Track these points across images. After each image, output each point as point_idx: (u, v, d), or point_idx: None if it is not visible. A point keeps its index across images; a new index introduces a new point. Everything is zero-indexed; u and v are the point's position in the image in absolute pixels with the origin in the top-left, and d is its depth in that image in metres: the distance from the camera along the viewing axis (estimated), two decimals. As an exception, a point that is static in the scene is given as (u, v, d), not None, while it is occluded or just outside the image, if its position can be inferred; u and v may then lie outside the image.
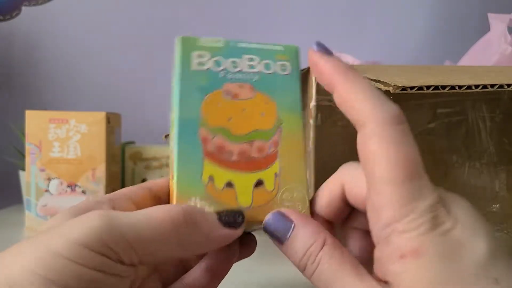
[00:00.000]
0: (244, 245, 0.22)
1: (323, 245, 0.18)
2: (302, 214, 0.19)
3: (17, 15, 0.44)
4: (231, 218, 0.18)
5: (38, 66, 0.68)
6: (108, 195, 0.21)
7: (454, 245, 0.15)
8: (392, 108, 0.17)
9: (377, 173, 0.16)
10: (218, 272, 0.21)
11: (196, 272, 0.21)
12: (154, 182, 0.22)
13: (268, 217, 0.19)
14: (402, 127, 0.17)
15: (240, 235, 0.19)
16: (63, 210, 0.19)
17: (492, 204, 0.34)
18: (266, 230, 0.19)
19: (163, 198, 0.22)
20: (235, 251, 0.21)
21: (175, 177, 0.19)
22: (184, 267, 0.22)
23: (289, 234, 0.18)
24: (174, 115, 0.21)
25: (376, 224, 0.16)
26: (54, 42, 0.68)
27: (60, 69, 0.69)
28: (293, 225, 0.18)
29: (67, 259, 0.14)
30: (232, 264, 0.22)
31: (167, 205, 0.18)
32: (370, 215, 0.17)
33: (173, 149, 0.20)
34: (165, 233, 0.16)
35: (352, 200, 0.19)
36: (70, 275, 0.14)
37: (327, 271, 0.17)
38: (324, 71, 0.19)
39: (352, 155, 0.32)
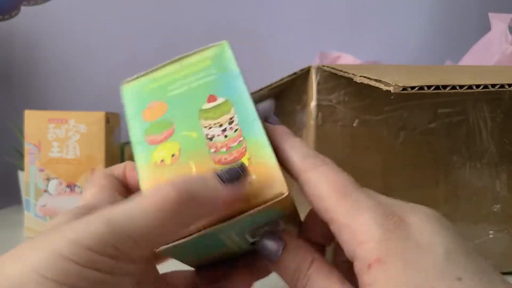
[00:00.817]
0: (260, 263, 0.23)
1: (311, 264, 0.19)
2: (293, 236, 0.20)
3: (16, 14, 0.44)
4: (233, 173, 0.18)
5: (37, 66, 0.68)
6: (102, 192, 0.21)
7: (413, 249, 0.16)
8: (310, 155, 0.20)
9: (319, 204, 0.18)
10: None
11: None
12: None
13: (264, 236, 0.20)
14: (322, 168, 0.19)
15: (245, 189, 0.18)
16: (64, 212, 0.19)
17: (493, 204, 0.34)
18: (261, 249, 0.19)
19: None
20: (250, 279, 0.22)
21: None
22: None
23: (279, 253, 0.19)
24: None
25: (344, 246, 0.17)
26: (53, 42, 0.68)
27: (60, 69, 0.69)
28: (283, 245, 0.19)
29: (74, 262, 0.14)
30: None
31: (160, 187, 0.16)
32: (339, 239, 0.18)
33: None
34: (163, 218, 0.16)
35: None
36: (78, 277, 0.14)
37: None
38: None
39: (352, 154, 0.32)
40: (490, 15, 0.46)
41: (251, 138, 0.20)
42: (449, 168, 0.33)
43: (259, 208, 0.18)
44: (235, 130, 0.21)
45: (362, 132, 0.32)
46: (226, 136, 0.21)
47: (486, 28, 0.48)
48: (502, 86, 0.22)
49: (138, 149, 0.21)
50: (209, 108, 0.21)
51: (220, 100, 0.22)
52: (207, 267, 0.23)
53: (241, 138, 0.20)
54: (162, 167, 0.20)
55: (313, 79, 0.32)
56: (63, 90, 0.69)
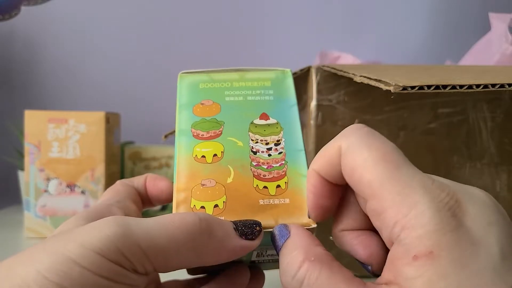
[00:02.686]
0: (252, 280, 0.22)
1: (304, 263, 0.17)
2: (299, 226, 0.19)
3: (16, 14, 0.43)
4: (248, 228, 0.18)
5: (37, 66, 0.68)
6: (114, 198, 0.21)
7: (467, 245, 0.14)
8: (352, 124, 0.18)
9: (365, 178, 0.16)
10: None
11: None
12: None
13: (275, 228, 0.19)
14: (366, 129, 0.17)
15: (256, 246, 0.18)
16: (76, 215, 0.19)
17: (493, 204, 0.34)
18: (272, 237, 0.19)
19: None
20: (244, 280, 0.21)
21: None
22: None
23: (281, 244, 0.18)
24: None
25: (384, 226, 0.15)
26: (53, 42, 0.68)
27: (59, 68, 0.69)
28: (288, 233, 0.18)
29: (82, 267, 0.14)
30: None
31: (182, 212, 0.17)
32: (377, 222, 0.16)
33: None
34: (180, 241, 0.16)
35: (346, 175, 0.17)
36: (84, 284, 0.14)
37: (320, 279, 0.16)
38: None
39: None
40: (491, 15, 0.46)
41: (293, 165, 0.21)
42: (449, 168, 0.33)
43: None
44: (280, 153, 0.22)
45: (362, 132, 0.32)
46: (270, 155, 0.21)
47: (486, 28, 0.48)
48: (502, 86, 0.22)
49: (182, 139, 0.22)
50: (260, 125, 0.22)
51: (272, 120, 0.23)
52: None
53: (283, 162, 0.21)
54: (201, 163, 0.21)
55: (313, 79, 0.32)
56: (63, 90, 0.69)
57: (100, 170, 0.43)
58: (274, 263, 0.25)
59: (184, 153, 0.21)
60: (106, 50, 0.69)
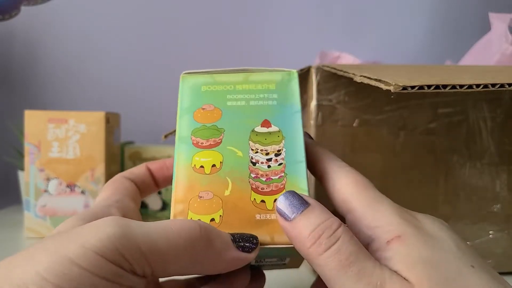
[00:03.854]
0: (253, 280, 0.22)
1: (341, 224, 0.17)
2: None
3: (16, 14, 0.43)
4: (245, 241, 0.18)
5: (37, 66, 0.68)
6: (112, 197, 0.21)
7: (427, 236, 0.17)
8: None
9: (340, 196, 0.20)
10: None
11: None
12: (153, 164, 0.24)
13: (283, 193, 0.19)
14: (345, 169, 0.21)
15: (252, 259, 0.19)
16: (74, 216, 0.19)
17: (493, 204, 0.34)
18: (280, 205, 0.19)
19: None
20: (244, 280, 0.21)
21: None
22: None
23: (303, 208, 0.18)
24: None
25: (360, 233, 0.19)
26: (53, 42, 0.68)
27: (60, 68, 0.69)
28: (307, 204, 0.18)
29: (81, 268, 0.14)
30: None
31: (183, 219, 0.17)
32: (353, 227, 0.19)
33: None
34: (180, 246, 0.16)
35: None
36: (80, 283, 0.14)
37: (348, 249, 0.16)
38: None
39: (352, 154, 0.32)
40: (491, 15, 0.46)
41: (292, 177, 0.21)
42: (449, 168, 0.33)
43: (281, 246, 0.19)
44: (280, 164, 0.21)
45: (362, 132, 0.32)
46: (269, 166, 0.21)
47: (486, 28, 0.48)
48: (502, 85, 0.22)
49: (181, 147, 0.21)
50: (262, 133, 0.22)
51: (273, 128, 0.22)
52: None
53: (282, 174, 0.21)
54: (199, 174, 0.21)
55: (313, 79, 0.32)
56: (63, 90, 0.69)
57: (100, 170, 0.43)
58: (273, 266, 0.25)
59: (183, 162, 0.21)
60: (106, 50, 0.69)
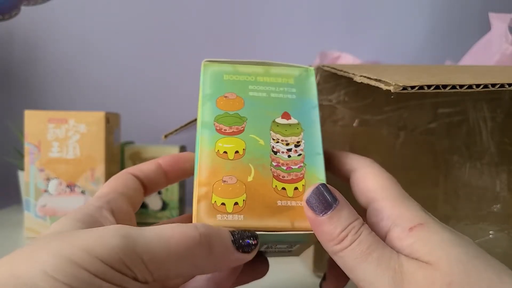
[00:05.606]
0: (257, 266, 0.23)
1: (363, 222, 0.19)
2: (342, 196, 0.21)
3: (16, 14, 0.43)
4: (245, 242, 0.19)
5: (37, 66, 0.68)
6: (105, 197, 0.21)
7: (448, 228, 0.18)
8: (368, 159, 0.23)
9: (367, 194, 0.21)
10: (222, 284, 0.21)
11: (199, 282, 0.21)
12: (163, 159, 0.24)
13: (315, 186, 0.20)
14: (378, 166, 0.23)
15: (251, 258, 0.19)
16: (68, 216, 0.19)
17: (493, 204, 0.34)
18: (311, 197, 0.19)
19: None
20: (248, 264, 0.21)
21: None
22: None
23: (334, 206, 0.19)
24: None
25: (380, 223, 0.20)
26: (53, 42, 0.68)
27: (59, 69, 0.69)
28: (337, 201, 0.19)
29: (84, 269, 0.14)
30: (236, 277, 0.22)
31: (183, 225, 0.18)
32: (374, 217, 0.20)
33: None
34: (180, 255, 0.17)
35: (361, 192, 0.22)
36: (88, 283, 0.14)
37: (369, 240, 0.18)
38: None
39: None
40: (491, 15, 0.46)
41: (311, 168, 0.21)
42: (449, 168, 0.33)
43: (301, 232, 0.20)
44: (299, 155, 0.22)
45: (362, 132, 0.32)
46: (289, 156, 0.22)
47: (486, 28, 0.48)
48: (502, 85, 0.22)
49: (204, 131, 0.22)
50: (282, 124, 0.22)
51: (293, 120, 0.23)
52: None
53: (301, 164, 0.21)
54: (222, 159, 0.21)
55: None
56: (63, 90, 0.69)
57: (100, 170, 0.43)
58: (279, 254, 0.25)
59: (207, 147, 0.21)
60: (106, 50, 0.69)
